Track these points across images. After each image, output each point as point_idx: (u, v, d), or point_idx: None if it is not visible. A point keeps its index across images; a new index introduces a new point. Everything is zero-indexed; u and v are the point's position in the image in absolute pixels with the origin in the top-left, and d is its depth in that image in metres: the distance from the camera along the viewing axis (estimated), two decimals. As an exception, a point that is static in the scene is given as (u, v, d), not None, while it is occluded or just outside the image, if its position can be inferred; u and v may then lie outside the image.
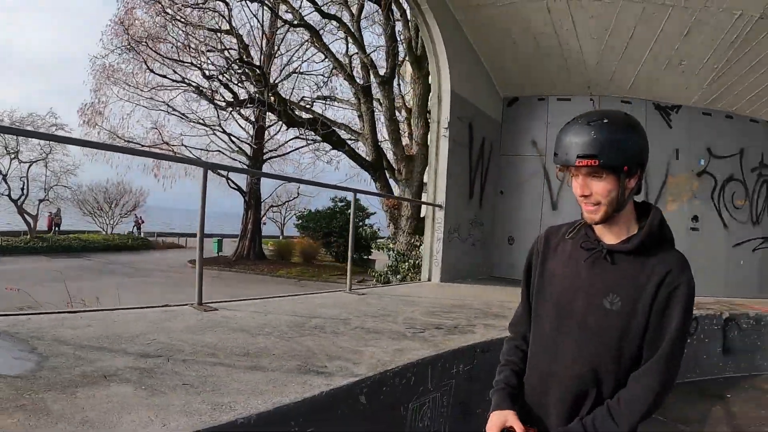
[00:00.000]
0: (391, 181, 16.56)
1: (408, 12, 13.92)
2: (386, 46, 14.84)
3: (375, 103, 16.40)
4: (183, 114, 21.98)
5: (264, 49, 18.96)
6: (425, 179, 13.13)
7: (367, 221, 33.17)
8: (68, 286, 8.75)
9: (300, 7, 16.02)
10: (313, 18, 16.37)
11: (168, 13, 17.87)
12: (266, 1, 17.85)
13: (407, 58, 14.59)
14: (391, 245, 14.03)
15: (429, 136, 8.50)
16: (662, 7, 6.67)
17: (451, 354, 3.62)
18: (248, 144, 24.04)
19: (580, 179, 1.50)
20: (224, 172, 23.70)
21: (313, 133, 17.84)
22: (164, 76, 20.22)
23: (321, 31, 16.59)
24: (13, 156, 23.98)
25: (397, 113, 16.26)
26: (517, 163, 9.62)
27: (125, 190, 34.67)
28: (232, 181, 25.25)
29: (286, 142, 25.20)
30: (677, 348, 1.47)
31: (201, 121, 22.23)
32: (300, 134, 22.01)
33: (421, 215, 16.14)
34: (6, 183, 23.86)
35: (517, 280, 8.02)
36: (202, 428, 1.94)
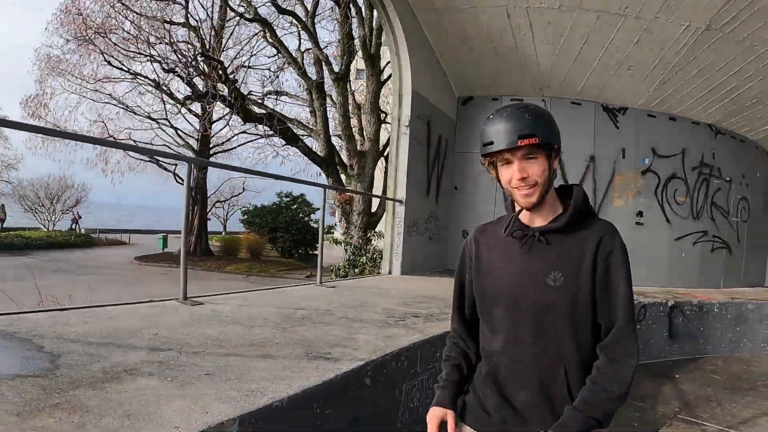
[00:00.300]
0: (342, 177, 16.67)
1: (363, 10, 14.06)
2: (342, 44, 14.92)
3: (327, 99, 16.46)
4: (128, 107, 21.34)
5: (213, 41, 18.63)
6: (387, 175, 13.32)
7: (313, 216, 33.24)
8: (12, 286, 8.42)
9: (253, 1, 15.86)
10: (261, 11, 16.24)
11: (120, 3, 17.29)
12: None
13: (361, 56, 14.72)
14: (348, 239, 14.18)
15: (390, 134, 8.68)
16: (615, 17, 7.09)
17: (437, 339, 3.86)
18: (194, 138, 23.58)
19: (515, 164, 1.53)
20: (171, 168, 23.21)
21: (266, 128, 17.68)
22: (121, 68, 19.60)
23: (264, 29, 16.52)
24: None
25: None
26: (470, 159, 9.90)
27: (67, 186, 33.33)
28: (179, 176, 24.71)
29: (234, 137, 24.88)
30: (632, 307, 1.54)
31: (147, 115, 21.65)
32: (255, 129, 21.74)
33: (372, 210, 16.39)
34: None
35: None
36: (244, 412, 2.07)
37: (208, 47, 17.80)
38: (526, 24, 7.70)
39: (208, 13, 18.44)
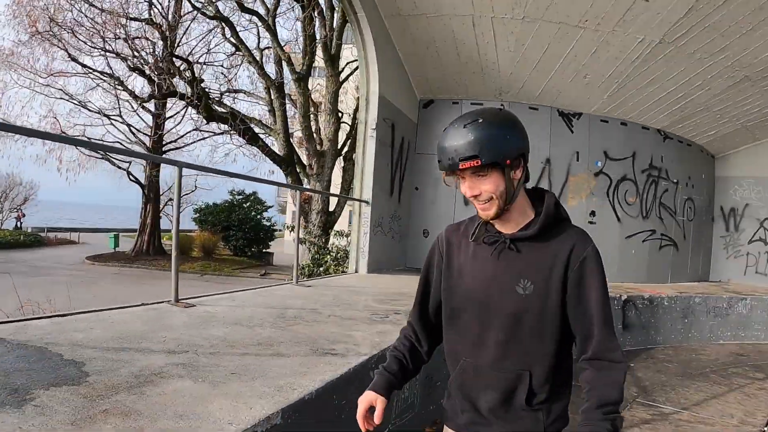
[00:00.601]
0: (300, 176, 16.72)
1: (324, 11, 14.15)
2: (304, 44, 14.96)
3: (288, 99, 16.47)
4: (81, 102, 20.77)
5: (175, 38, 18.30)
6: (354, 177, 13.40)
7: (265, 214, 33.09)
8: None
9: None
10: (219, 7, 16.10)
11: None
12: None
13: (321, 56, 14.81)
14: (311, 239, 14.28)
15: (349, 134, 8.83)
16: (575, 29, 7.48)
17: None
18: (147, 135, 23.09)
19: (467, 181, 1.52)
20: (125, 165, 22.70)
21: (222, 126, 17.53)
22: (80, 63, 19.03)
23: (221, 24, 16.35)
24: None
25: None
26: (430, 160, 10.11)
27: (15, 183, 32.11)
28: (132, 174, 24.20)
29: (186, 134, 24.51)
30: (609, 314, 1.55)
31: (99, 110, 21.08)
32: (208, 127, 21.51)
33: (330, 209, 16.53)
34: None
35: None
36: (283, 406, 2.24)
37: (174, 45, 17.47)
38: (490, 33, 7.99)
39: (164, 9, 18.11)
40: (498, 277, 1.58)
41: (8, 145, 21.14)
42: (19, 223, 33.59)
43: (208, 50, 18.84)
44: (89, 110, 21.25)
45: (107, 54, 18.14)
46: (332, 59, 14.61)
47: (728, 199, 12.16)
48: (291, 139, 16.58)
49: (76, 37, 17.97)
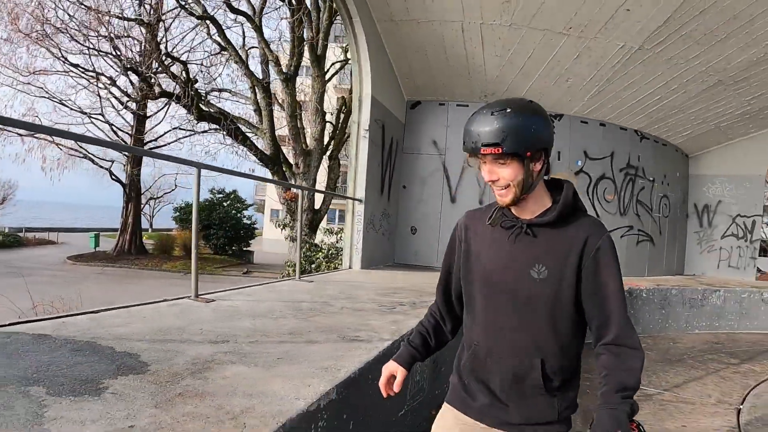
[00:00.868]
0: (287, 175, 16.91)
1: (311, 13, 14.35)
2: (292, 45, 15.14)
3: (273, 98, 16.63)
4: (62, 101, 20.64)
5: (155, 35, 18.28)
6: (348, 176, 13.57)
7: (245, 212, 33.14)
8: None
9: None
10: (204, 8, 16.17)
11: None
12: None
13: (308, 57, 15.02)
14: (304, 237, 14.52)
15: (350, 137, 9.09)
16: (560, 35, 7.86)
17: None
18: (128, 134, 23.02)
19: (487, 166, 1.57)
20: (107, 165, 22.61)
21: (206, 124, 17.62)
22: (74, 64, 18.89)
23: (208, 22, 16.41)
24: None
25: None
26: (418, 160, 10.49)
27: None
28: (113, 174, 24.08)
29: (166, 133, 24.49)
30: (624, 303, 1.59)
31: (79, 109, 20.98)
32: (188, 125, 21.54)
33: (316, 207, 16.78)
34: None
35: (419, 265, 9.18)
36: (337, 383, 2.54)
37: (161, 44, 17.46)
38: (478, 38, 8.33)
39: (152, 7, 18.05)
40: (513, 261, 1.62)
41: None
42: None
43: (190, 49, 18.91)
44: (70, 108, 21.15)
45: (90, 52, 18.05)
46: (318, 60, 14.86)
47: (702, 196, 12.75)
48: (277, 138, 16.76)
49: (61, 33, 17.86)
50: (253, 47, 17.29)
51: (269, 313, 4.25)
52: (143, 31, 17.93)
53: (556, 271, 1.57)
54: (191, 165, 4.90)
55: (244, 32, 16.89)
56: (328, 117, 17.80)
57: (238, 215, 31.60)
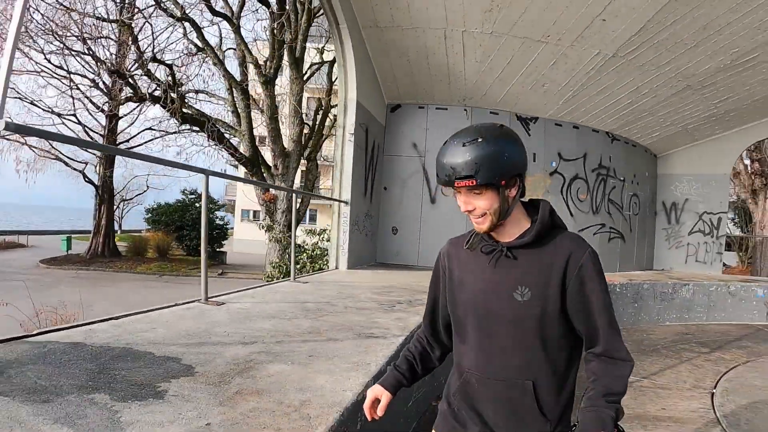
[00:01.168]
0: (265, 176, 16.98)
1: (290, 15, 14.45)
2: (271, 48, 15.24)
3: (251, 100, 16.70)
4: (33, 101, 20.32)
5: (127, 36, 18.10)
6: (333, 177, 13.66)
7: (218, 213, 33.00)
8: None
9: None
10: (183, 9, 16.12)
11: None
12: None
13: (287, 59, 15.14)
14: (285, 237, 14.68)
15: (336, 140, 9.28)
16: (538, 43, 8.22)
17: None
18: (100, 134, 22.77)
19: (462, 197, 1.57)
20: (80, 167, 22.33)
21: (186, 126, 17.58)
22: (59, 67, 18.49)
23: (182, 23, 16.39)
24: None
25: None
26: (398, 162, 10.77)
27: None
28: (86, 176, 23.78)
29: (138, 134, 24.30)
30: (613, 316, 1.59)
31: (50, 110, 20.68)
32: (159, 126, 21.44)
33: (294, 208, 16.91)
34: None
35: (401, 265, 9.45)
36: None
37: (143, 45, 17.34)
38: (460, 45, 8.62)
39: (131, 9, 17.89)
40: (496, 285, 1.61)
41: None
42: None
43: (162, 49, 18.74)
44: (42, 109, 20.84)
45: (64, 52, 17.81)
46: (297, 62, 14.99)
47: (669, 195, 13.37)
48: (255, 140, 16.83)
49: (33, 32, 17.59)
50: (230, 48, 17.35)
51: (280, 314, 4.46)
52: (116, 30, 17.74)
53: (539, 291, 1.56)
54: (199, 172, 5.04)
55: (221, 33, 16.95)
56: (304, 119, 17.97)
57: (211, 216, 31.47)
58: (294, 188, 16.07)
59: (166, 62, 16.85)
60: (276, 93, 16.10)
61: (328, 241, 12.85)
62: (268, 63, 15.21)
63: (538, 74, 9.13)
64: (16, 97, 20.04)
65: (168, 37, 18.03)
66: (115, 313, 3.96)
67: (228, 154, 17.52)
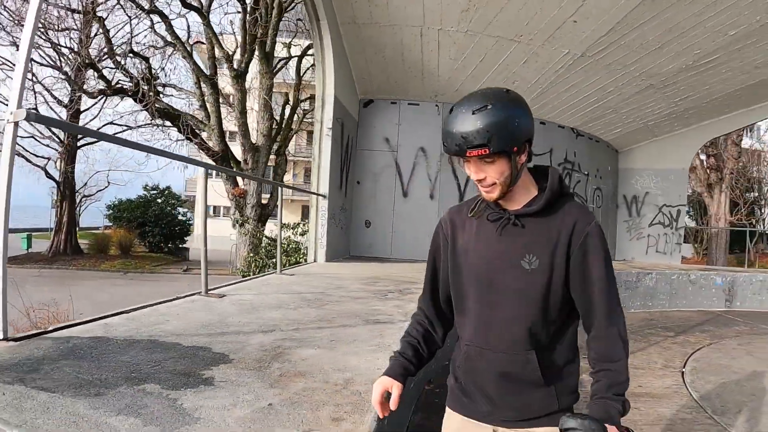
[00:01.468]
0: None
1: (262, 13, 14.44)
2: (243, 43, 15.20)
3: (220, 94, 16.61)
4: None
5: (81, 26, 17.66)
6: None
7: (180, 209, 32.56)
8: None
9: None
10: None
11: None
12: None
13: (257, 54, 15.14)
14: (260, 231, 14.72)
15: (314, 135, 9.39)
16: (510, 42, 8.54)
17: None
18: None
19: (472, 165, 1.51)
20: (42, 163, 21.77)
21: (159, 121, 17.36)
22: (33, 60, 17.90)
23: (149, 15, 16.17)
24: None
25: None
26: (370, 156, 10.97)
27: None
28: (48, 172, 23.15)
29: (100, 128, 23.70)
30: (614, 289, 1.56)
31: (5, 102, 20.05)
32: (121, 120, 21.09)
33: (262, 202, 16.95)
34: None
35: (373, 257, 9.73)
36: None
37: (130, 43, 16.96)
38: (435, 43, 8.86)
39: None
40: (503, 253, 1.57)
41: None
42: None
43: (129, 42, 18.45)
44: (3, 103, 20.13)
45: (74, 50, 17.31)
46: (267, 56, 15.02)
47: (630, 188, 13.97)
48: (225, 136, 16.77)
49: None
50: (198, 42, 17.19)
51: (283, 304, 4.61)
52: (79, 21, 17.35)
53: (547, 259, 1.53)
54: (199, 165, 5.16)
55: (189, 26, 16.79)
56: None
57: (173, 212, 31.05)
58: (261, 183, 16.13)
59: (144, 55, 16.58)
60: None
61: (301, 235, 12.95)
62: (239, 57, 15.17)
63: (509, 72, 9.44)
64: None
65: (132, 29, 17.48)
66: (86, 312, 3.86)
67: (198, 149, 17.36)
